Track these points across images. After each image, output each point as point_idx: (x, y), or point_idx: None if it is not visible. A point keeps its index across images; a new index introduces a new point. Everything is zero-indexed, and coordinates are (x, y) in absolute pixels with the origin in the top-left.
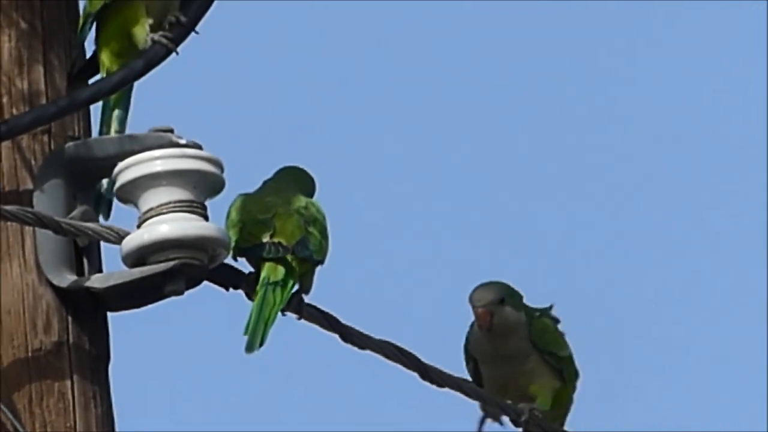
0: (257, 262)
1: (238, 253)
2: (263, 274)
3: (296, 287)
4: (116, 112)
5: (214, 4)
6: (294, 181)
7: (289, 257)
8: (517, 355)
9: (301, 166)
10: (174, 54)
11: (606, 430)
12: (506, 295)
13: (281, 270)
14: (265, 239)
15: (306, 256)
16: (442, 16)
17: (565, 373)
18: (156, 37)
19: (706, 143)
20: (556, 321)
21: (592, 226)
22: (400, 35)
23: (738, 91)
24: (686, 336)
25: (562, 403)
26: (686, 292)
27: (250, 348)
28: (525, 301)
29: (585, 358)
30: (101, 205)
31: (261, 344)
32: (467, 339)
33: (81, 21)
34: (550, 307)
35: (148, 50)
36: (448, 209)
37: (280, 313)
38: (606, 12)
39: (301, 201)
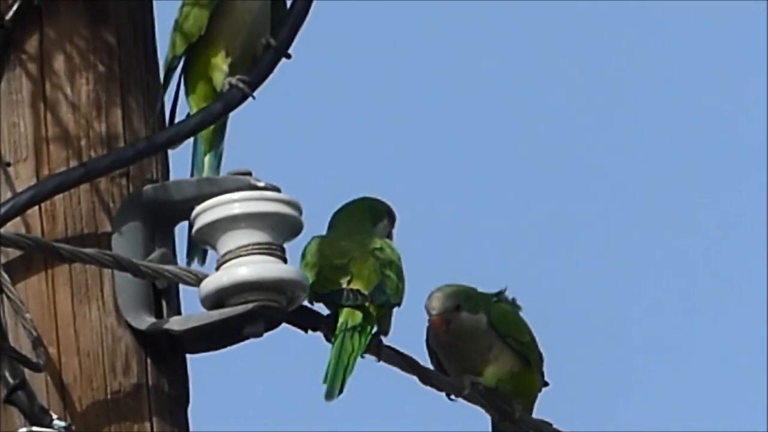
0: (335, 307)
1: (314, 298)
2: (341, 319)
3: (374, 330)
4: (208, 158)
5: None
6: (367, 216)
7: (366, 303)
8: (479, 348)
9: (372, 197)
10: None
11: (605, 430)
12: (461, 301)
13: (359, 315)
14: (343, 285)
15: (383, 302)
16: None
17: (528, 356)
18: (233, 81)
19: (705, 143)
20: (515, 305)
21: (592, 226)
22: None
23: (738, 91)
24: (686, 336)
25: (526, 386)
26: (686, 292)
27: (329, 396)
28: (481, 289)
29: (584, 358)
30: (196, 252)
31: (340, 392)
32: (428, 335)
33: (166, 65)
34: (504, 290)
35: (226, 93)
36: (518, 244)
37: (360, 358)
38: (607, 12)
39: (376, 242)
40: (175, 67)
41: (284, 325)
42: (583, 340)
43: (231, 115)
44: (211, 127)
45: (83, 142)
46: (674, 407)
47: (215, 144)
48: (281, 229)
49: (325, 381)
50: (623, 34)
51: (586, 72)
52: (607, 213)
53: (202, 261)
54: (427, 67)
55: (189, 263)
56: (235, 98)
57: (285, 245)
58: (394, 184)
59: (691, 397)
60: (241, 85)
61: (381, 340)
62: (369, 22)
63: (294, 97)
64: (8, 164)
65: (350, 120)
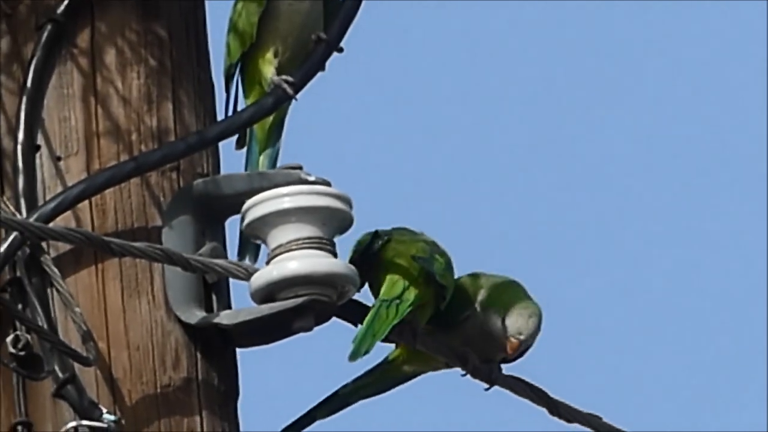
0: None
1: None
2: (382, 290)
3: (411, 308)
4: (262, 157)
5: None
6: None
7: (410, 273)
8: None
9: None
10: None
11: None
12: None
13: (399, 286)
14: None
15: (428, 269)
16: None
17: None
18: (277, 80)
19: (706, 143)
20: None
21: (592, 226)
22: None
23: (738, 91)
24: (686, 335)
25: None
26: (686, 291)
27: (354, 356)
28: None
29: (583, 358)
30: (248, 249)
31: (365, 353)
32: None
33: (225, 72)
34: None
35: (273, 91)
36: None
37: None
38: (608, 12)
39: (429, 240)
40: (233, 75)
41: (334, 319)
42: (581, 339)
43: (288, 113)
44: (266, 126)
45: (134, 137)
46: (674, 407)
47: (270, 143)
48: (331, 223)
49: (353, 341)
50: (622, 34)
51: (586, 71)
52: (608, 213)
53: (255, 258)
54: (479, 61)
55: (240, 260)
56: (283, 96)
57: (335, 239)
58: (441, 179)
59: (691, 397)
60: (284, 85)
61: (416, 330)
62: (423, 17)
63: (347, 91)
64: (59, 158)
65: (401, 115)
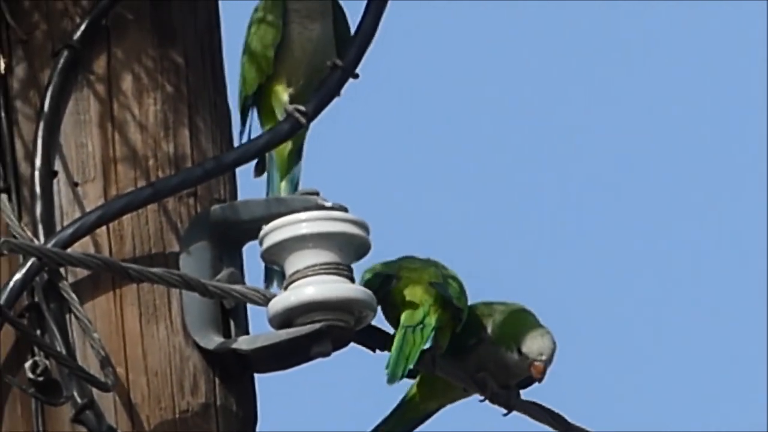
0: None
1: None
2: (401, 321)
3: (433, 332)
4: (283, 184)
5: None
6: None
7: (427, 300)
8: None
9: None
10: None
11: (604, 430)
12: None
13: (419, 313)
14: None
15: (444, 294)
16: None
17: None
18: (290, 109)
19: (705, 143)
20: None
21: (592, 226)
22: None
23: (737, 91)
24: (686, 334)
25: None
26: (687, 290)
27: (392, 380)
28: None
29: (583, 357)
30: (275, 275)
31: (402, 377)
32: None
33: (240, 103)
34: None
35: (287, 118)
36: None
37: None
38: (610, 12)
39: (439, 264)
40: (250, 105)
41: (352, 344)
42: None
43: (306, 139)
44: (285, 153)
45: (151, 162)
46: (674, 407)
47: (289, 169)
48: (348, 249)
49: (387, 367)
50: (621, 34)
51: (586, 71)
52: (608, 213)
53: (281, 283)
54: (497, 87)
55: (267, 287)
56: (296, 125)
57: (352, 265)
58: (459, 204)
59: (691, 397)
60: (296, 114)
61: (436, 355)
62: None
63: (364, 116)
64: (76, 184)
65: (417, 141)
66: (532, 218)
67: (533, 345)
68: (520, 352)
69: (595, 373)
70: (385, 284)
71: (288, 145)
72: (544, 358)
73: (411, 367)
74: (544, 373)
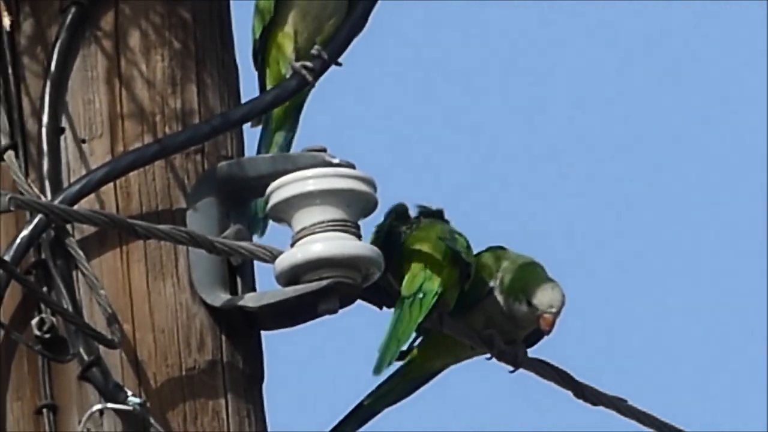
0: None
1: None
2: (402, 287)
3: (437, 295)
4: (282, 136)
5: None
6: None
7: (434, 257)
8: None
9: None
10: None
11: (604, 430)
12: None
13: (419, 278)
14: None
15: (453, 248)
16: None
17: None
18: (296, 66)
19: (705, 143)
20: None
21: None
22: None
23: (737, 90)
24: (685, 333)
25: None
26: (686, 289)
27: (378, 369)
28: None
29: (609, 341)
30: (256, 225)
31: (389, 365)
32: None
33: (253, 50)
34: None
35: (294, 75)
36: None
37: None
38: (610, 11)
39: (446, 224)
40: (258, 51)
41: (359, 301)
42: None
43: (308, 97)
44: (285, 110)
45: (158, 119)
46: (673, 407)
47: (286, 127)
48: (356, 205)
49: (378, 350)
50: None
51: (586, 70)
52: (608, 212)
53: (262, 233)
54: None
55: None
56: (302, 81)
57: (359, 222)
58: (464, 161)
59: (691, 397)
60: (303, 71)
61: (443, 313)
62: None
63: (370, 74)
64: (83, 141)
65: (424, 96)
66: (541, 177)
67: (543, 297)
68: (529, 303)
69: (602, 331)
70: (395, 239)
71: (285, 104)
72: (554, 310)
73: (403, 349)
74: (553, 325)
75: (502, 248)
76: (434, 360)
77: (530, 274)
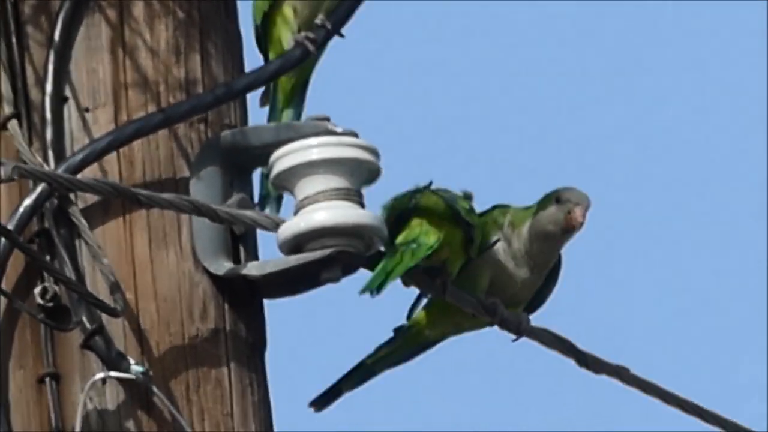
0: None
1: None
2: (403, 233)
3: (434, 248)
4: (288, 114)
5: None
6: None
7: (435, 214)
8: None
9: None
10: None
11: (606, 430)
12: None
13: (416, 230)
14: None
15: (453, 206)
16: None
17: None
18: (299, 37)
19: (705, 143)
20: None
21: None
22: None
23: (737, 90)
24: (685, 333)
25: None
26: (686, 288)
27: (364, 289)
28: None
29: (612, 310)
30: (270, 203)
31: (378, 291)
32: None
33: (255, 31)
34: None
35: (297, 45)
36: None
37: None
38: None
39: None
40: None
41: (362, 270)
42: (611, 291)
43: (313, 74)
44: (290, 87)
45: (162, 88)
46: (675, 376)
47: (293, 104)
48: (359, 174)
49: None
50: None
51: (585, 70)
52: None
53: (277, 210)
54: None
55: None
56: (304, 52)
57: (363, 191)
58: (468, 130)
59: (691, 396)
60: (306, 42)
61: (447, 281)
62: None
63: (375, 43)
64: (87, 110)
65: (426, 66)
66: (545, 149)
67: (572, 194)
68: (558, 200)
69: (605, 301)
70: (402, 216)
71: (293, 81)
72: (585, 202)
73: (391, 281)
74: (584, 218)
75: (507, 205)
76: (436, 327)
77: (541, 201)
